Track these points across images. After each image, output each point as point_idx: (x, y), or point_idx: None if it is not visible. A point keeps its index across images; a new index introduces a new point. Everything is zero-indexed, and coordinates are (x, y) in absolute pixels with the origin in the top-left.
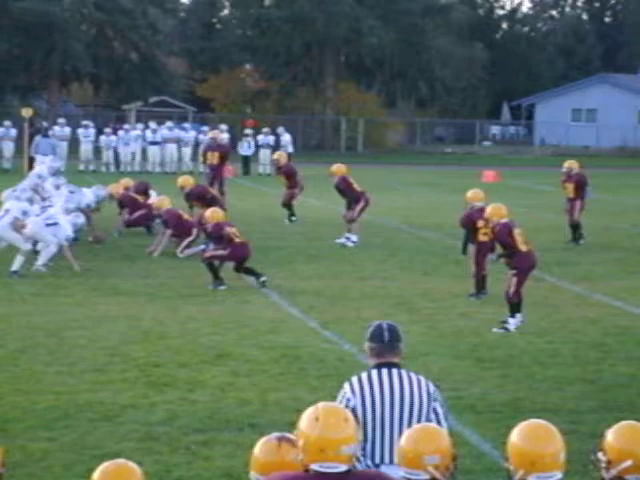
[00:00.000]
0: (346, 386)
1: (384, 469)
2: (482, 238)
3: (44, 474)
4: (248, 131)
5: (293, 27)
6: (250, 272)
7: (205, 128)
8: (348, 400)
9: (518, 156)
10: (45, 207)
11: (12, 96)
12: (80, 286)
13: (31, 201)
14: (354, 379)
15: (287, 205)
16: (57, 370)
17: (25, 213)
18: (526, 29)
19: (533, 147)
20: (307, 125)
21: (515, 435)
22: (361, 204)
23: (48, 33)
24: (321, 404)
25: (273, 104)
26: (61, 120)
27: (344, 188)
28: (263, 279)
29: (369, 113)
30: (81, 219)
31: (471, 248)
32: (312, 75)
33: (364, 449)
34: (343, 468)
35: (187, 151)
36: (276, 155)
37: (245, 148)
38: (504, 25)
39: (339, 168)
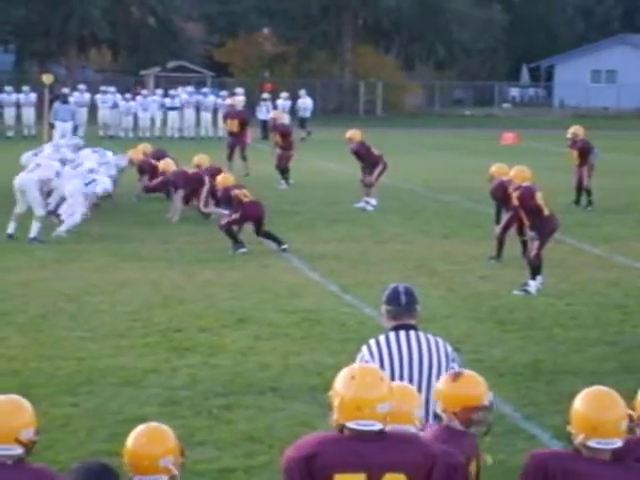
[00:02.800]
0: (364, 349)
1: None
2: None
3: (68, 439)
4: (266, 95)
5: None
6: (271, 237)
7: (223, 93)
8: (366, 362)
9: (537, 118)
10: (77, 165)
11: (30, 62)
12: (100, 251)
13: (63, 162)
14: (372, 342)
15: (284, 169)
16: (79, 335)
17: (58, 174)
18: None
19: (552, 109)
20: (325, 89)
21: (579, 400)
22: (379, 168)
23: None
24: (356, 364)
25: (291, 68)
26: (81, 86)
27: (363, 153)
28: (284, 246)
29: (387, 76)
30: (123, 161)
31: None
32: (330, 39)
33: None
34: (378, 426)
35: (207, 116)
36: (273, 114)
37: (264, 112)
38: None
39: (354, 134)
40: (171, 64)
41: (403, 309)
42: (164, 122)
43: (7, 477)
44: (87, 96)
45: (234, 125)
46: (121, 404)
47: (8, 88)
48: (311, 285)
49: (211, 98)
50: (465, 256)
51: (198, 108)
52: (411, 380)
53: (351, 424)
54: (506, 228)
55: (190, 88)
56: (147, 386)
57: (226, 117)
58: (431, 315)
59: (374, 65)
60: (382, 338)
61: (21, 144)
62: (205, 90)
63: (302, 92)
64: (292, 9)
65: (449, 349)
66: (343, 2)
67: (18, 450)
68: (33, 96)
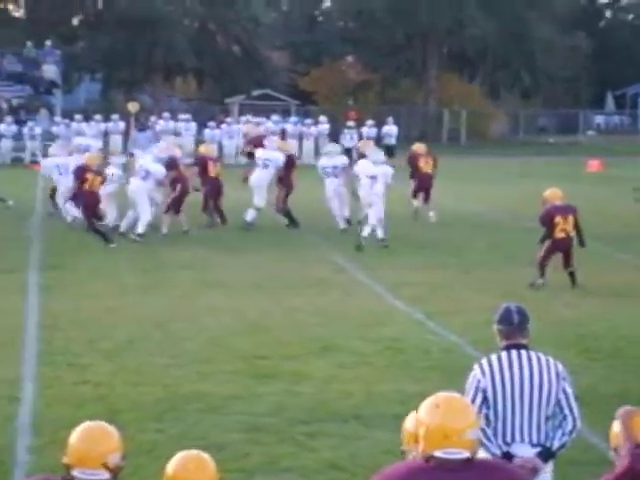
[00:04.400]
0: (476, 368)
1: (514, 447)
2: (558, 235)
3: (152, 464)
4: (351, 123)
5: (395, 18)
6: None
7: (308, 121)
8: (478, 381)
9: (622, 146)
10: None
11: (117, 90)
12: (186, 278)
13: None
14: (484, 361)
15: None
16: (164, 362)
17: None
18: (630, 17)
19: (638, 136)
20: (409, 116)
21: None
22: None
23: (151, 27)
24: (440, 393)
25: (375, 96)
26: (165, 114)
27: None
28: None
29: (472, 104)
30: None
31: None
32: (415, 66)
33: (495, 428)
34: (465, 455)
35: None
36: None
37: (347, 140)
38: (607, 13)
39: None
40: (256, 92)
41: (515, 328)
42: None
43: None
44: (172, 124)
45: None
46: (205, 430)
47: (97, 117)
48: (395, 312)
49: (299, 126)
50: (551, 283)
51: (284, 136)
52: (522, 398)
53: (438, 453)
54: (546, 257)
55: (276, 117)
56: (230, 413)
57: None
58: None
59: (458, 93)
60: (494, 357)
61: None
62: (293, 119)
63: (389, 119)
64: (376, 37)
65: (560, 368)
66: (428, 30)
67: (105, 475)
68: (121, 124)
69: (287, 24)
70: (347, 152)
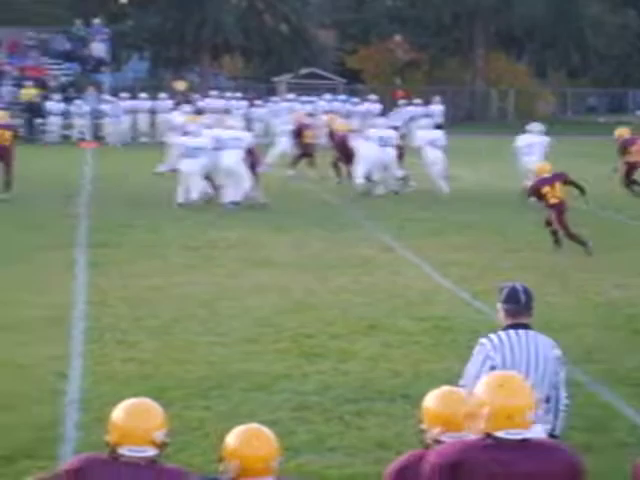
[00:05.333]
0: (486, 342)
1: None
2: (552, 201)
3: (200, 442)
4: (401, 102)
5: None
6: None
7: (355, 100)
8: (489, 356)
9: None
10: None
11: (165, 69)
12: (232, 257)
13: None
14: (494, 337)
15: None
16: (210, 340)
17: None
18: None
19: None
20: (457, 96)
21: None
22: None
23: (200, 6)
24: (498, 372)
25: (423, 75)
26: (213, 92)
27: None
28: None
29: (519, 83)
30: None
31: (551, 216)
32: (462, 46)
33: None
34: (525, 434)
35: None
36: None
37: (396, 119)
38: None
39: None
40: (303, 71)
41: (522, 308)
42: None
43: (143, 477)
44: (220, 102)
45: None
46: (252, 409)
47: (143, 95)
48: (442, 292)
49: (347, 105)
50: (599, 264)
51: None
52: (527, 377)
53: (500, 433)
54: (563, 225)
55: (328, 95)
56: (278, 391)
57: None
58: (563, 324)
59: (506, 72)
60: (503, 334)
61: (156, 150)
62: (342, 97)
63: (436, 99)
64: (424, 16)
65: (558, 352)
66: (475, 9)
67: (152, 451)
68: (169, 103)
69: (335, 2)
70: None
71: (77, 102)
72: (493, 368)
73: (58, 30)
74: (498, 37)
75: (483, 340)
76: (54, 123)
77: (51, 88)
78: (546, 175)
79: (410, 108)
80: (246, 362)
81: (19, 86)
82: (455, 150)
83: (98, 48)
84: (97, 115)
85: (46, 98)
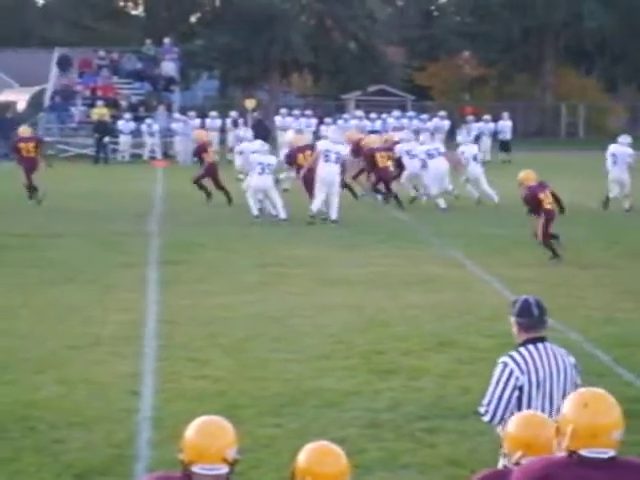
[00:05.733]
0: (511, 363)
1: None
2: (547, 207)
3: (271, 459)
4: (470, 118)
5: (512, 12)
6: None
7: (424, 116)
8: (517, 379)
9: None
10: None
11: (234, 88)
12: (302, 275)
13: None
14: (517, 356)
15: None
16: (283, 357)
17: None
18: None
19: None
20: (526, 111)
21: None
22: None
23: (269, 25)
24: (586, 390)
25: (491, 91)
26: (283, 110)
27: None
28: None
29: (589, 98)
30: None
31: (537, 221)
32: (531, 61)
33: None
34: (610, 453)
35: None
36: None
37: (464, 135)
38: None
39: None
40: (372, 88)
41: (536, 321)
42: None
43: None
44: (289, 120)
45: None
46: (323, 426)
47: (213, 113)
48: None
49: (415, 122)
50: None
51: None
52: (553, 391)
53: (584, 451)
54: (545, 233)
55: (396, 112)
56: (349, 408)
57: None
58: (637, 341)
59: (576, 87)
60: (524, 352)
61: (227, 168)
62: (410, 114)
63: (504, 115)
64: (493, 32)
65: (573, 360)
66: (545, 24)
67: (224, 469)
68: (240, 122)
69: (403, 19)
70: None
71: (147, 121)
72: (520, 389)
73: (129, 50)
74: (567, 52)
75: (506, 359)
76: (125, 142)
77: (122, 107)
78: (534, 183)
79: (479, 124)
80: (318, 379)
81: (90, 106)
82: (525, 165)
83: (168, 67)
84: (167, 134)
85: (116, 117)
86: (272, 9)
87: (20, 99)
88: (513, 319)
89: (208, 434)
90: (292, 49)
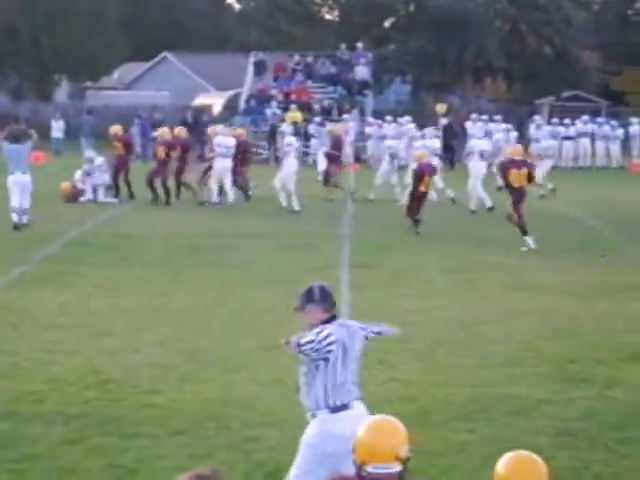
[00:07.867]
0: (333, 329)
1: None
2: (514, 184)
3: (463, 464)
4: None
5: None
6: None
7: (614, 122)
8: (331, 343)
9: None
10: None
11: (427, 93)
12: (492, 280)
13: None
14: (334, 324)
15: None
16: (473, 363)
17: None
18: None
19: None
20: None
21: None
22: None
23: (462, 30)
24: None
25: None
26: (474, 115)
27: None
28: None
29: None
30: None
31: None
32: None
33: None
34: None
35: (601, 145)
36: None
37: None
38: None
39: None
40: (566, 93)
41: (329, 302)
42: (559, 151)
43: None
44: (479, 125)
45: None
46: (515, 433)
47: (406, 118)
48: None
49: (606, 128)
50: None
51: (593, 138)
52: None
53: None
54: (517, 211)
55: (585, 117)
56: (540, 416)
57: None
58: None
59: None
60: (336, 323)
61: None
62: (600, 120)
63: None
64: None
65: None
66: None
67: (397, 467)
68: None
69: (599, 24)
70: None
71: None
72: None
73: (323, 54)
74: None
75: (326, 327)
76: (315, 146)
77: (314, 111)
78: (517, 158)
79: None
80: (508, 386)
81: (284, 109)
82: None
83: (362, 72)
84: (360, 138)
85: (308, 121)
86: (466, 14)
87: (216, 102)
88: (309, 306)
89: (381, 433)
90: (486, 54)
